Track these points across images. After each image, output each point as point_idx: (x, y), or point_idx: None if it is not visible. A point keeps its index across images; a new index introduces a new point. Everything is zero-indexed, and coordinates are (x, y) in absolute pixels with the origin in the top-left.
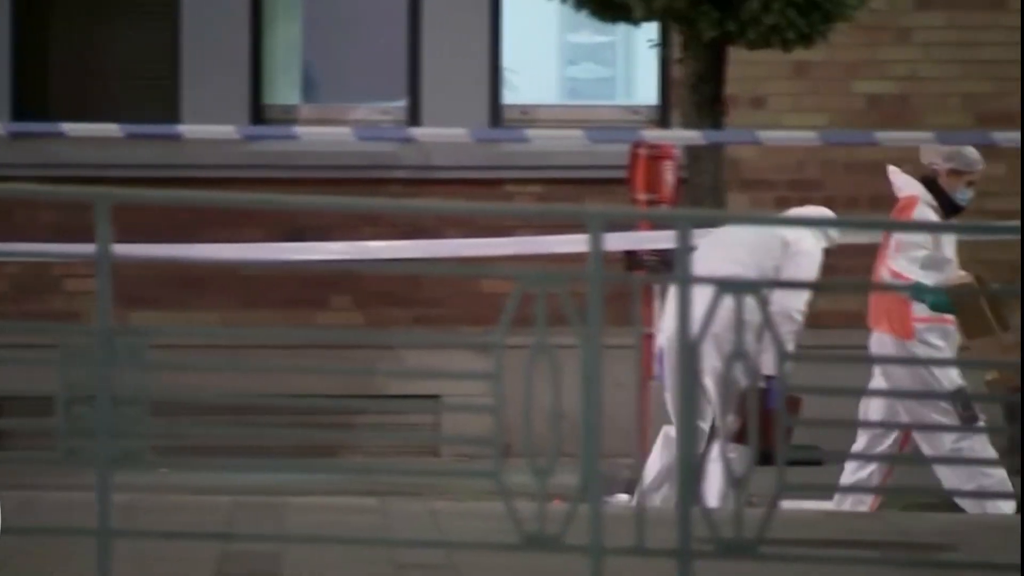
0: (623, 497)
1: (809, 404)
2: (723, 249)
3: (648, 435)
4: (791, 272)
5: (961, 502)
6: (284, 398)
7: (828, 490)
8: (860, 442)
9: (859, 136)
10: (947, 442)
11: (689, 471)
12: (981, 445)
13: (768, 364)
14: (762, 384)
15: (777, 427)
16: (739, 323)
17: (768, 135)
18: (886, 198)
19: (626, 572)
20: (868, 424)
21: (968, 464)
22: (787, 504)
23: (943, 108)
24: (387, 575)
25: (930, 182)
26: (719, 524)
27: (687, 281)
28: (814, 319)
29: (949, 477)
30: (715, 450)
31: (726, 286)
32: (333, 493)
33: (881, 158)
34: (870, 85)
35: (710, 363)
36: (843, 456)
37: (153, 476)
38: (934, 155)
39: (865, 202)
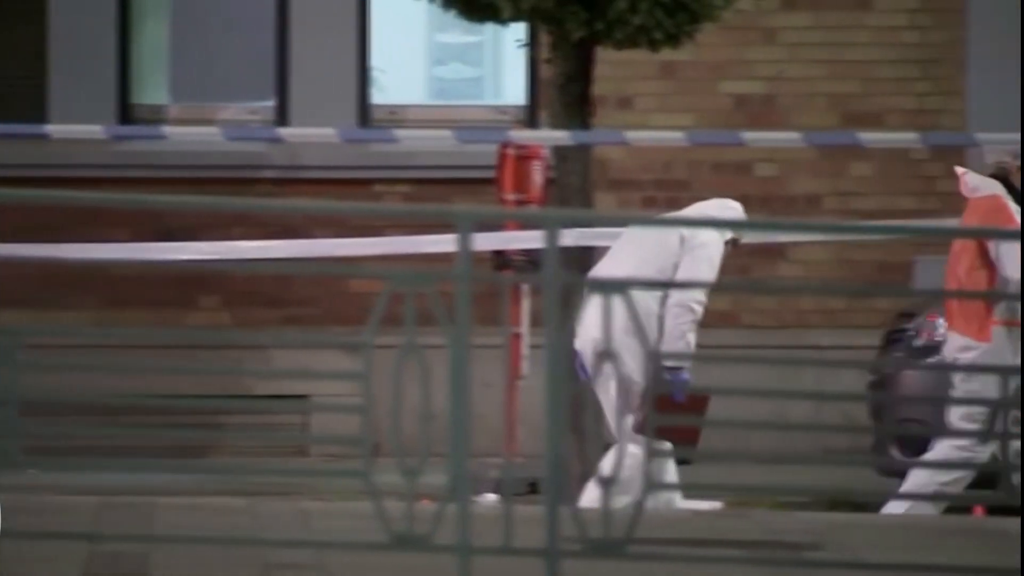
0: (491, 497)
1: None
2: (630, 247)
3: (516, 434)
4: (688, 265)
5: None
6: (154, 398)
7: (698, 489)
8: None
9: (726, 136)
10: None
11: (556, 470)
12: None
13: (671, 357)
14: (667, 377)
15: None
16: (607, 321)
17: (635, 135)
18: (753, 198)
19: (495, 572)
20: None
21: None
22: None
23: (809, 108)
24: (256, 575)
25: (1000, 179)
26: (587, 523)
27: (556, 281)
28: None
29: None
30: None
31: (595, 286)
32: (202, 493)
33: (747, 158)
34: (736, 85)
35: (623, 362)
36: (714, 456)
37: (22, 476)
38: (1002, 153)
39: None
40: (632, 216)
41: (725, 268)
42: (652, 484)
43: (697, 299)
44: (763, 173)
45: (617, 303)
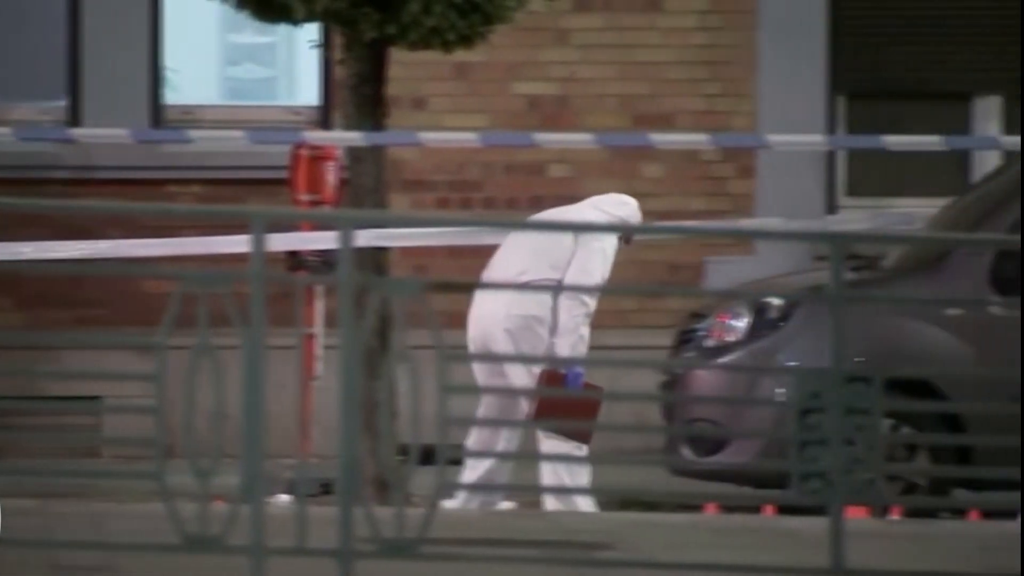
0: (285, 497)
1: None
2: (524, 241)
3: (310, 435)
4: (582, 259)
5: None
6: None
7: (490, 489)
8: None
9: (518, 138)
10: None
11: (350, 471)
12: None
13: (563, 348)
14: (562, 370)
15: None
16: (486, 318)
17: (429, 136)
18: (546, 199)
19: (288, 573)
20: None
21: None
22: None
23: (601, 109)
24: None
25: None
26: (381, 524)
27: (349, 282)
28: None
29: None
30: (546, 445)
31: (384, 286)
32: None
33: (540, 159)
34: (529, 86)
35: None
36: (507, 456)
37: None
38: None
39: (525, 203)
40: (425, 217)
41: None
42: (443, 485)
43: (591, 294)
44: (556, 174)
45: (510, 298)
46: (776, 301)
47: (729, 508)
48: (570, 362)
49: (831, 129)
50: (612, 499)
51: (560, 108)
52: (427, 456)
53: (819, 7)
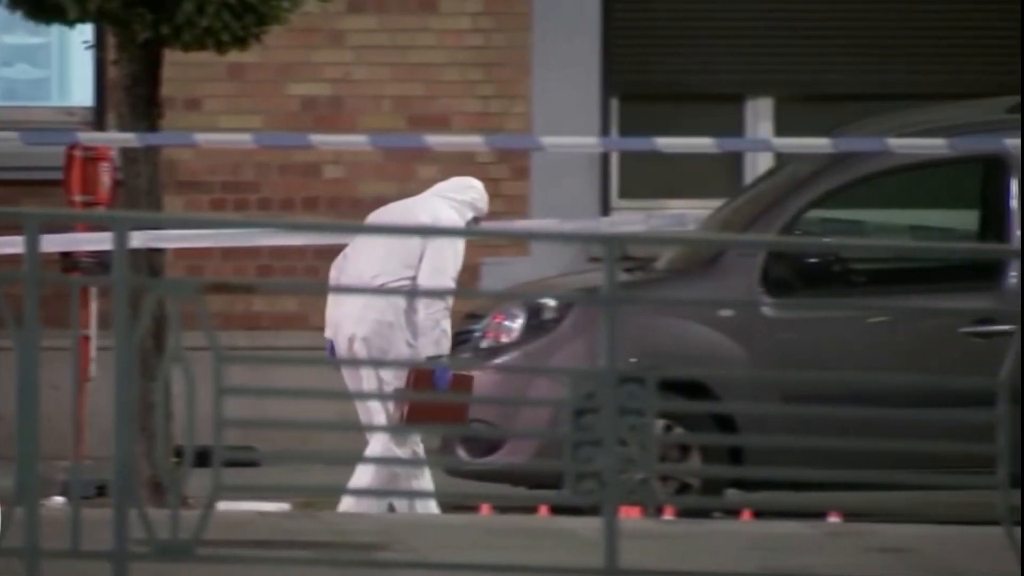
0: (59, 500)
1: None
2: (378, 244)
3: (84, 437)
4: (432, 254)
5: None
6: None
7: (266, 491)
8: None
9: (293, 139)
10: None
11: (124, 473)
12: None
13: (427, 346)
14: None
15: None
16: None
17: (204, 137)
18: (321, 200)
19: (63, 575)
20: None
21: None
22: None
23: (376, 110)
24: None
25: None
26: (156, 526)
27: (124, 283)
28: (251, 320)
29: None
30: (373, 447)
31: (159, 287)
32: None
33: (315, 160)
34: (304, 87)
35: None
36: (281, 457)
37: None
38: None
39: (300, 204)
40: (200, 218)
41: (294, 270)
42: (219, 487)
43: (445, 285)
44: (331, 175)
45: (364, 302)
46: (551, 302)
47: (504, 509)
48: (413, 364)
49: (604, 131)
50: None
51: (335, 109)
52: (202, 458)
53: (592, 9)
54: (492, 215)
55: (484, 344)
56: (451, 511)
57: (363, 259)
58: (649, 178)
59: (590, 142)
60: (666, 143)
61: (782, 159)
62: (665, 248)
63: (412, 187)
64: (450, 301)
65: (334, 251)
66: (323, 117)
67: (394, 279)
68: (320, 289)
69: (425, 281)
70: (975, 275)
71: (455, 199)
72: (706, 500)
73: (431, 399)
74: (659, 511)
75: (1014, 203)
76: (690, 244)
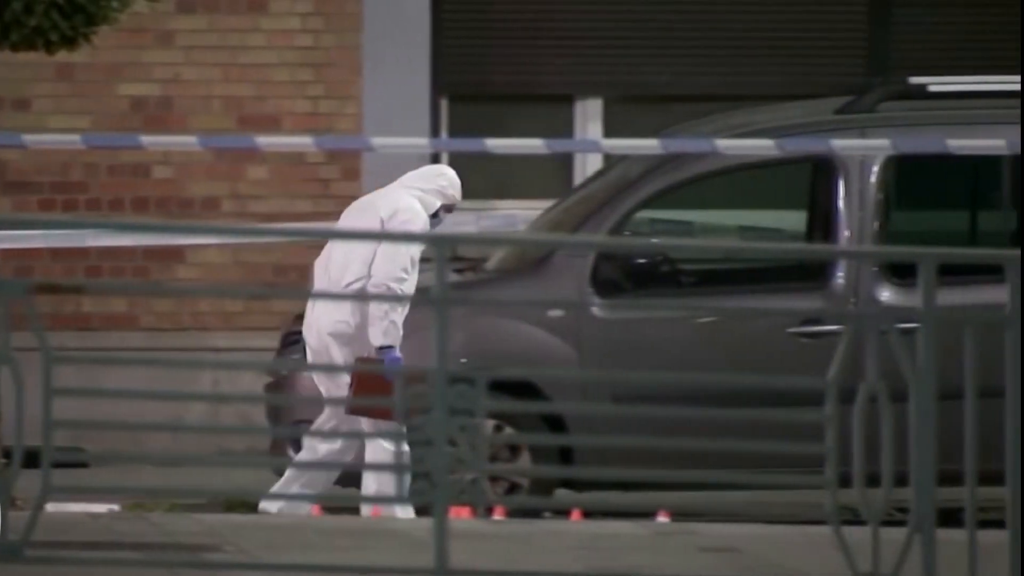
0: None
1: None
2: (341, 249)
3: None
4: (383, 246)
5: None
6: None
7: (96, 492)
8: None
9: (123, 139)
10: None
11: None
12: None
13: (376, 336)
14: (374, 355)
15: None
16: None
17: (32, 138)
18: (151, 200)
19: None
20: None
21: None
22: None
23: (206, 111)
24: None
25: None
26: None
27: None
28: (81, 321)
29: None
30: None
31: None
32: None
33: (145, 160)
34: (133, 87)
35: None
36: (111, 458)
37: None
38: None
39: (129, 204)
40: (28, 218)
41: (124, 271)
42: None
43: (394, 277)
44: (160, 175)
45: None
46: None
47: (334, 509)
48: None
49: (435, 131)
50: (217, 500)
51: (165, 109)
52: (31, 459)
53: (422, 10)
54: (322, 216)
55: None
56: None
57: (334, 261)
58: (479, 179)
59: (420, 143)
60: (496, 144)
61: (612, 160)
62: (495, 249)
63: (242, 188)
64: (401, 291)
65: (163, 252)
66: (153, 117)
67: (358, 278)
68: (151, 291)
69: (377, 273)
70: (803, 276)
71: (421, 188)
72: (536, 500)
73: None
74: (489, 511)
75: (842, 204)
76: (520, 245)
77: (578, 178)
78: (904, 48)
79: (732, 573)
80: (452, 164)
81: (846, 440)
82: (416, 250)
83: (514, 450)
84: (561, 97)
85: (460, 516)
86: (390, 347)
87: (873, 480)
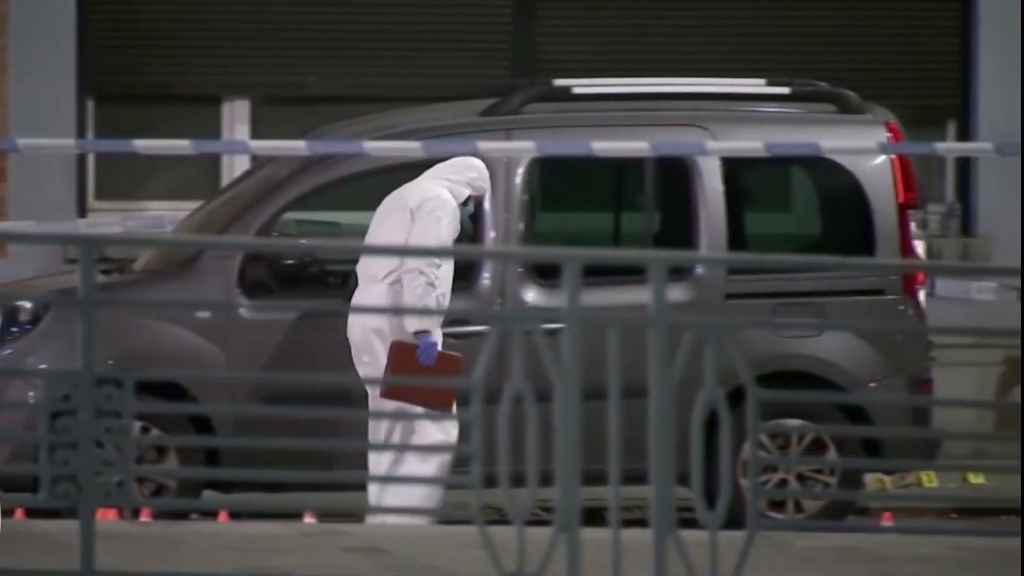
0: None
1: None
2: (376, 230)
3: None
4: (416, 232)
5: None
6: None
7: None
8: None
9: None
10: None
11: None
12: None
13: (412, 321)
14: (412, 341)
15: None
16: None
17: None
18: None
19: None
20: None
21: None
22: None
23: None
24: None
25: None
26: None
27: None
28: None
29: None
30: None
31: None
32: None
33: None
34: None
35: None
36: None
37: None
38: None
39: None
40: None
41: None
42: None
43: (426, 261)
44: None
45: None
46: (27, 304)
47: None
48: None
49: (81, 132)
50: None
51: None
52: None
53: (68, 10)
54: None
55: None
56: None
57: (370, 262)
58: (127, 180)
59: (66, 143)
60: (143, 145)
61: (259, 161)
62: (143, 250)
63: None
64: (432, 276)
65: None
66: None
67: (391, 270)
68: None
69: (408, 260)
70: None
71: (450, 178)
72: (183, 502)
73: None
74: (136, 513)
75: (487, 205)
76: (167, 245)
77: (226, 179)
78: (549, 50)
79: (380, 573)
80: (99, 165)
81: (492, 440)
82: (448, 234)
83: (161, 451)
84: (208, 98)
85: (106, 518)
86: (426, 332)
87: (519, 480)
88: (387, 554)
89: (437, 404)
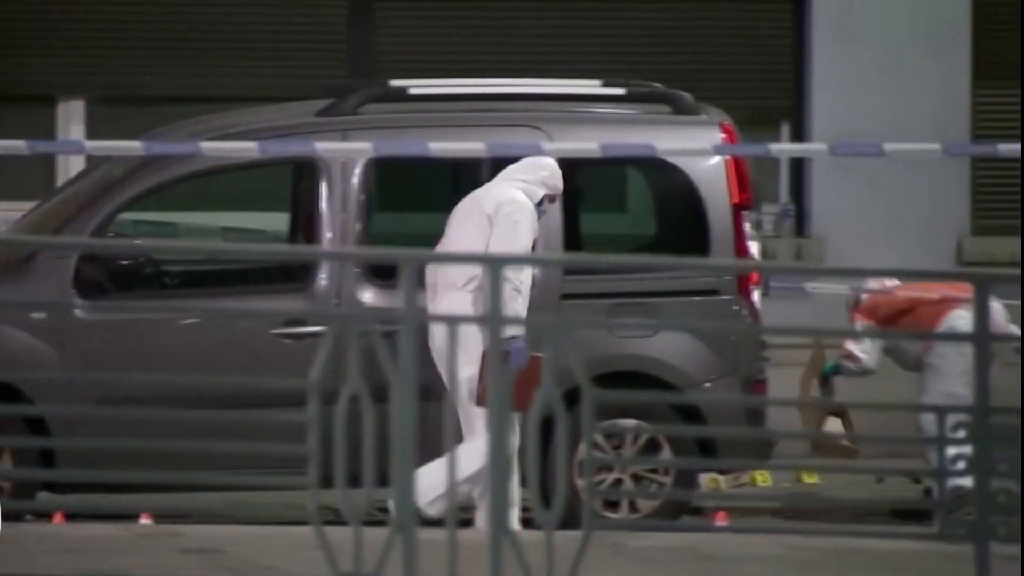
0: None
1: None
2: (453, 234)
3: None
4: (495, 238)
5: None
6: None
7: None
8: None
9: None
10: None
11: None
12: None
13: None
14: (505, 347)
15: (525, 386)
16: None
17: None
18: None
19: None
20: None
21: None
22: None
23: None
24: None
25: None
26: None
27: None
28: None
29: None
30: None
31: None
32: None
33: None
34: None
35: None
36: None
37: None
38: None
39: None
40: None
41: None
42: None
43: (513, 268)
44: None
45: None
46: None
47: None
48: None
49: None
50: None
51: None
52: None
53: None
54: None
55: None
56: None
57: (450, 267)
58: None
59: None
60: None
61: (95, 161)
62: None
63: None
64: (517, 282)
65: None
66: None
67: (472, 276)
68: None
69: None
70: (286, 277)
71: (523, 179)
72: (18, 504)
73: None
74: None
75: (324, 205)
76: (1, 245)
77: (61, 179)
78: (386, 51)
79: (216, 574)
80: None
81: (328, 441)
82: (528, 238)
83: None
84: (43, 98)
85: None
86: (513, 337)
87: (355, 480)
88: (224, 555)
89: (526, 405)
